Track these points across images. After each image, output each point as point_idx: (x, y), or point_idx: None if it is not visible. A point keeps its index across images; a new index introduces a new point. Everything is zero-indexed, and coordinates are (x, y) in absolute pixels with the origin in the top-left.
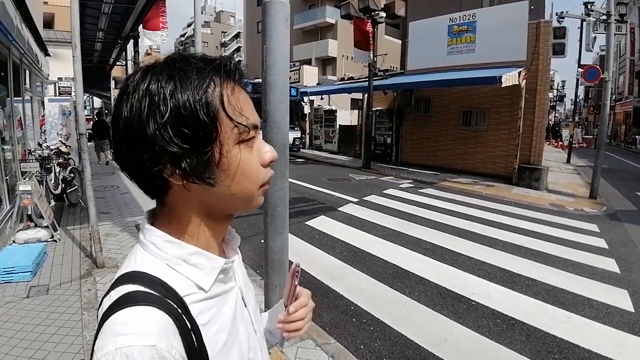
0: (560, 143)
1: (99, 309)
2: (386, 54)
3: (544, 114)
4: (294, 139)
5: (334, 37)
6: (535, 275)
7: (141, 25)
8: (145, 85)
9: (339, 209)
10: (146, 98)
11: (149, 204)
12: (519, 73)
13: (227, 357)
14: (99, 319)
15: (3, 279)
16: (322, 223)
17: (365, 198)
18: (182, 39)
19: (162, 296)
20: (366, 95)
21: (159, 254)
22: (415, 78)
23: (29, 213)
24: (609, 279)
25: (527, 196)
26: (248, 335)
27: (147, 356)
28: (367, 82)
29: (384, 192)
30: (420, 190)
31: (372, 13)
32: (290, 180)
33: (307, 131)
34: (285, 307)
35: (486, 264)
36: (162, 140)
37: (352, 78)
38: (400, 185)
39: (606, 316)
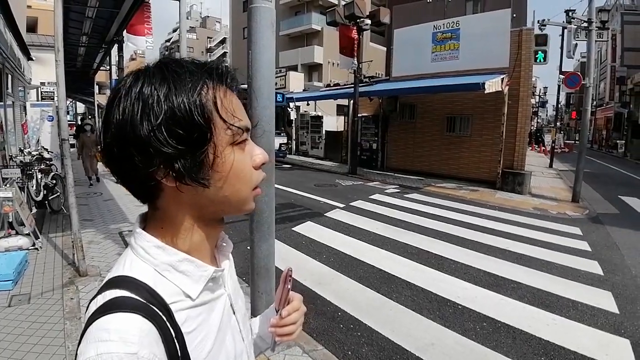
0: (543, 148)
1: (86, 312)
2: (371, 61)
3: (526, 120)
4: (280, 144)
5: (320, 43)
6: (520, 278)
7: (125, 29)
8: (138, 88)
9: (325, 214)
10: (139, 101)
11: (133, 211)
12: (502, 79)
13: None
14: (84, 323)
15: None
16: (308, 229)
17: (351, 203)
18: (168, 44)
19: (148, 303)
20: (352, 101)
21: (148, 259)
22: (400, 85)
23: (10, 220)
24: (593, 281)
25: (510, 200)
26: (235, 343)
27: None
28: (352, 89)
29: (370, 197)
30: (406, 196)
31: (358, 20)
32: (276, 185)
33: (294, 137)
34: (277, 311)
35: (471, 268)
36: (156, 142)
37: (338, 84)
38: (386, 191)
39: (591, 318)
